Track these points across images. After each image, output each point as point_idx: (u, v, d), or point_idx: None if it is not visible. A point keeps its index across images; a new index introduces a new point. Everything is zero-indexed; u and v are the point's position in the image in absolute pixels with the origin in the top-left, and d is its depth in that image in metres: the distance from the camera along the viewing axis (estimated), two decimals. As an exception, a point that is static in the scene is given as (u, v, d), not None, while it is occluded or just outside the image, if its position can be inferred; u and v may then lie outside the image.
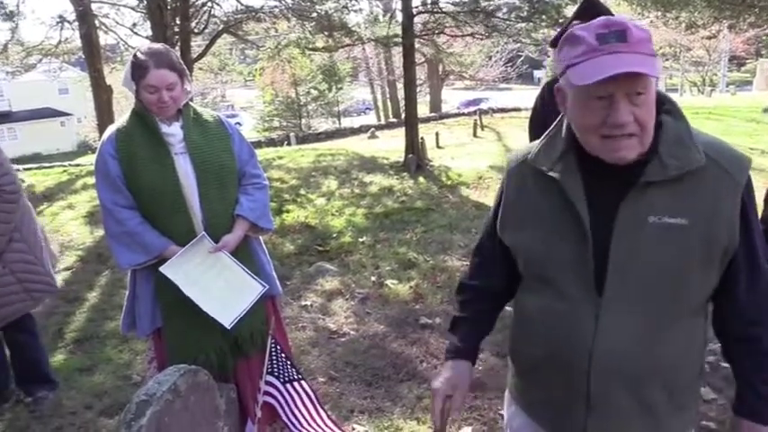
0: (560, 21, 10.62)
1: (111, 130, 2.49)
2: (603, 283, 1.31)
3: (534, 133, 3.28)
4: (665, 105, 1.32)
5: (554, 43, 3.36)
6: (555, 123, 1.43)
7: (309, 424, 2.48)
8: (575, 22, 2.99)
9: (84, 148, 34.36)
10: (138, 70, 2.36)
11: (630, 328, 1.30)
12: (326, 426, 2.49)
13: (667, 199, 1.27)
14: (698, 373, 1.43)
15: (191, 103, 2.56)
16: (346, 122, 36.18)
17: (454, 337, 1.63)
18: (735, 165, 1.29)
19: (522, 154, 1.48)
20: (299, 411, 2.46)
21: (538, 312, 1.44)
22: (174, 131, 2.45)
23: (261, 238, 2.79)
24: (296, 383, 2.41)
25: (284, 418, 2.48)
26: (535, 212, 1.40)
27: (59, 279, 5.60)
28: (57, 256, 3.67)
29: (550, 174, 1.36)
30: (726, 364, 3.53)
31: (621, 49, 1.20)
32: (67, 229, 7.26)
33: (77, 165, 13.80)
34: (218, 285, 2.47)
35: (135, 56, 2.41)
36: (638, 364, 1.31)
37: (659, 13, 14.02)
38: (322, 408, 2.46)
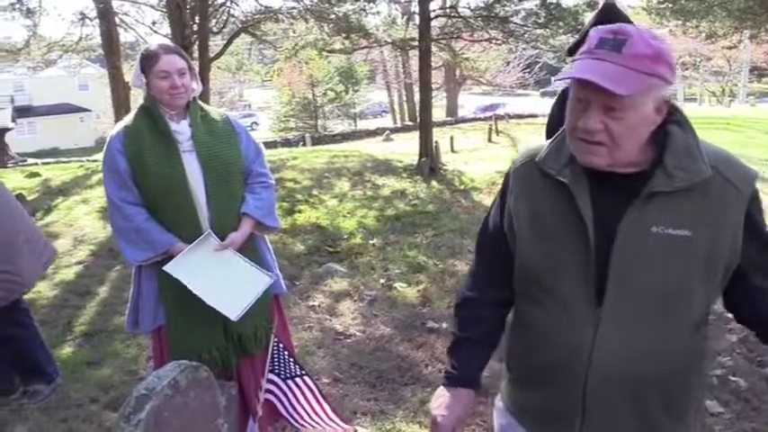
0: (578, 27, 10.57)
1: (119, 126, 2.50)
2: (604, 292, 1.28)
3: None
4: (673, 116, 1.29)
5: (571, 51, 3.33)
6: (564, 128, 1.39)
7: (311, 418, 2.47)
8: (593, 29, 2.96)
9: (101, 144, 34.29)
10: (149, 59, 2.40)
11: (629, 340, 1.28)
12: (330, 419, 2.48)
13: (671, 210, 1.25)
14: (698, 386, 1.41)
15: (198, 101, 2.58)
16: (362, 125, 36.24)
17: (455, 360, 1.56)
18: (741, 178, 1.27)
19: (529, 155, 1.45)
20: (301, 406, 2.45)
21: (536, 321, 1.40)
22: (182, 129, 2.46)
23: (267, 237, 2.80)
24: (298, 379, 2.41)
25: (284, 413, 2.48)
26: (539, 214, 1.37)
27: (71, 273, 5.68)
28: (54, 251, 3.55)
29: (559, 178, 1.33)
30: (734, 378, 3.51)
31: (610, 58, 1.18)
32: (81, 223, 7.33)
33: (94, 160, 13.95)
34: (223, 279, 2.46)
35: (143, 50, 2.47)
36: (635, 376, 1.29)
37: (679, 23, 13.91)
38: (326, 402, 2.45)
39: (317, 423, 2.51)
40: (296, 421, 2.52)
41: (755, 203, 1.30)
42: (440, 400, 1.51)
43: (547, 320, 1.37)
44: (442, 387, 1.54)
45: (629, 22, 2.97)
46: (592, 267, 1.28)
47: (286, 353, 2.41)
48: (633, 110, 1.19)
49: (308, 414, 2.46)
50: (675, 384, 1.34)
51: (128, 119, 2.52)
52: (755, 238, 1.30)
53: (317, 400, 2.43)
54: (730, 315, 4.52)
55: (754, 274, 1.32)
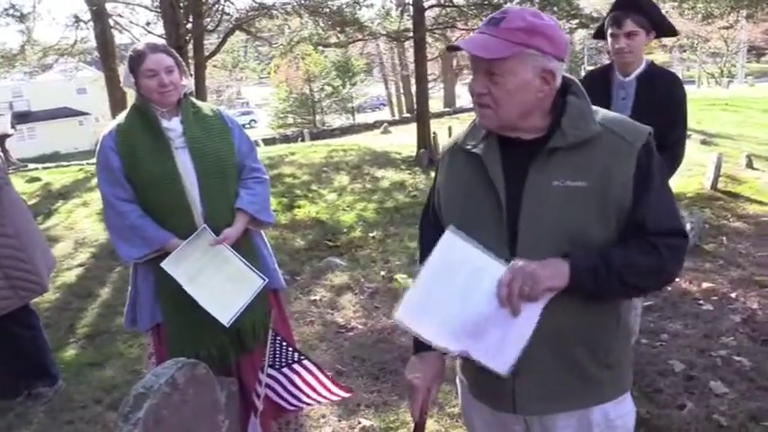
0: (573, 12, 10.52)
1: (111, 125, 2.51)
2: (516, 245, 1.41)
3: None
4: (571, 87, 1.46)
5: (597, 35, 3.31)
6: None
7: (310, 397, 2.46)
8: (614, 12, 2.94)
9: (100, 147, 34.63)
10: (136, 59, 2.41)
11: None
12: (330, 393, 2.46)
13: (569, 165, 1.40)
14: (623, 332, 1.52)
15: (191, 97, 2.57)
16: (360, 118, 36.17)
17: None
18: (631, 132, 1.41)
19: (454, 139, 1.63)
20: (299, 389, 2.43)
21: None
22: (173, 126, 2.45)
23: (263, 232, 2.79)
24: (295, 365, 2.39)
25: (279, 401, 2.47)
26: (461, 186, 1.53)
27: (72, 275, 5.69)
28: (54, 260, 3.70)
29: (474, 151, 1.50)
30: (738, 358, 3.49)
31: (488, 31, 1.37)
32: (81, 226, 7.34)
33: (93, 163, 13.94)
34: (218, 281, 2.46)
35: (131, 50, 2.47)
36: (552, 321, 1.37)
37: (675, 4, 13.79)
38: (326, 377, 2.44)
39: (316, 400, 2.50)
40: (292, 405, 2.51)
41: (647, 155, 1.40)
42: (412, 368, 1.62)
43: None
44: (412, 357, 1.64)
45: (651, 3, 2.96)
46: (505, 223, 1.43)
47: (284, 343, 2.40)
48: (511, 75, 1.35)
49: (307, 395, 2.45)
50: (594, 329, 1.45)
51: (120, 118, 2.53)
52: (647, 187, 1.39)
53: (317, 379, 2.42)
54: (733, 295, 4.47)
55: (647, 221, 1.40)
